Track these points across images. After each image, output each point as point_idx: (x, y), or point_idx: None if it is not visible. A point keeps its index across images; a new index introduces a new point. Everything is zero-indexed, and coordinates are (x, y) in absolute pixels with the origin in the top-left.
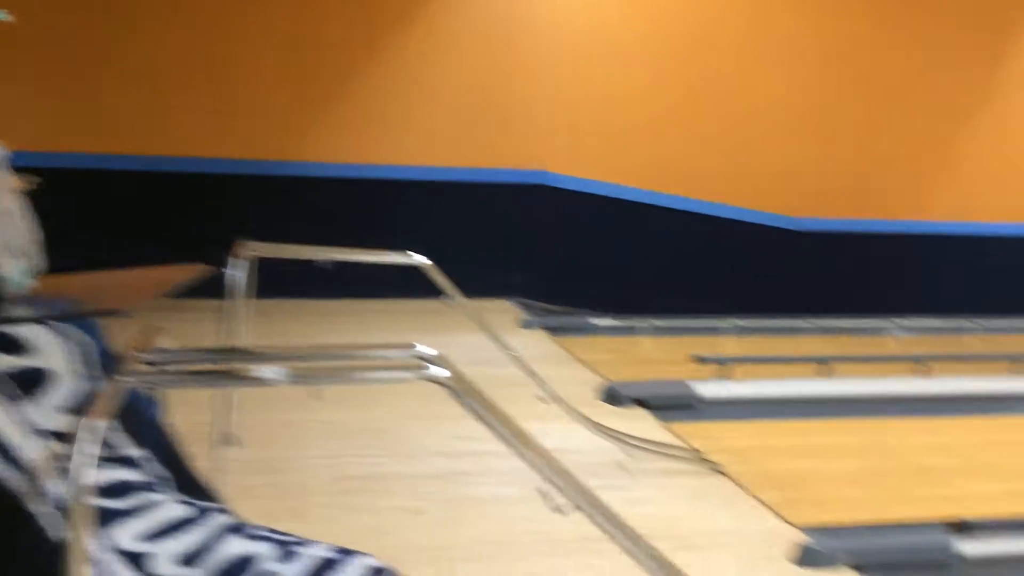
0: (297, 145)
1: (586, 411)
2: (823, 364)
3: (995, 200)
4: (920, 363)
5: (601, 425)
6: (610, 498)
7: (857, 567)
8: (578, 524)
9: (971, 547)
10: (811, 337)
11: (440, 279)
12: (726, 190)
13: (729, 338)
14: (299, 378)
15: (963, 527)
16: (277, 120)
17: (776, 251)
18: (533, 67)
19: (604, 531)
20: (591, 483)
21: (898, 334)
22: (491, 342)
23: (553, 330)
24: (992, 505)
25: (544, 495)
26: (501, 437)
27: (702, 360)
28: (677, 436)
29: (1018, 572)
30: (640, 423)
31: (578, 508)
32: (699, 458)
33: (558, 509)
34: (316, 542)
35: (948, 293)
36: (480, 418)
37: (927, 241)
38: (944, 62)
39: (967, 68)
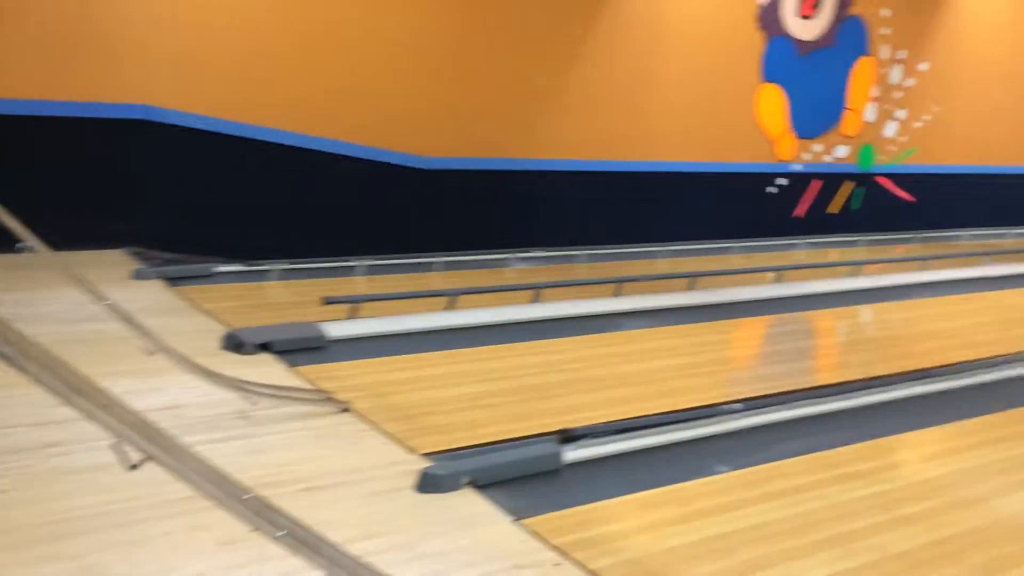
0: None
1: (206, 362)
2: (449, 298)
3: (600, 138)
4: (536, 291)
5: (220, 375)
6: (231, 449)
7: (477, 486)
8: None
9: (575, 453)
10: (439, 273)
11: (13, 224)
12: (352, 129)
13: (360, 278)
14: None
15: (569, 436)
16: None
17: (404, 190)
18: None
19: (189, 483)
20: (211, 436)
21: (517, 266)
22: (89, 296)
23: (172, 280)
24: (595, 413)
25: (118, 451)
26: (55, 392)
27: (332, 301)
28: (305, 379)
29: (614, 469)
30: (266, 369)
31: (153, 460)
32: (326, 398)
33: (134, 466)
34: None
35: (560, 226)
36: (27, 372)
37: (542, 177)
38: (556, 4)
39: (573, 12)
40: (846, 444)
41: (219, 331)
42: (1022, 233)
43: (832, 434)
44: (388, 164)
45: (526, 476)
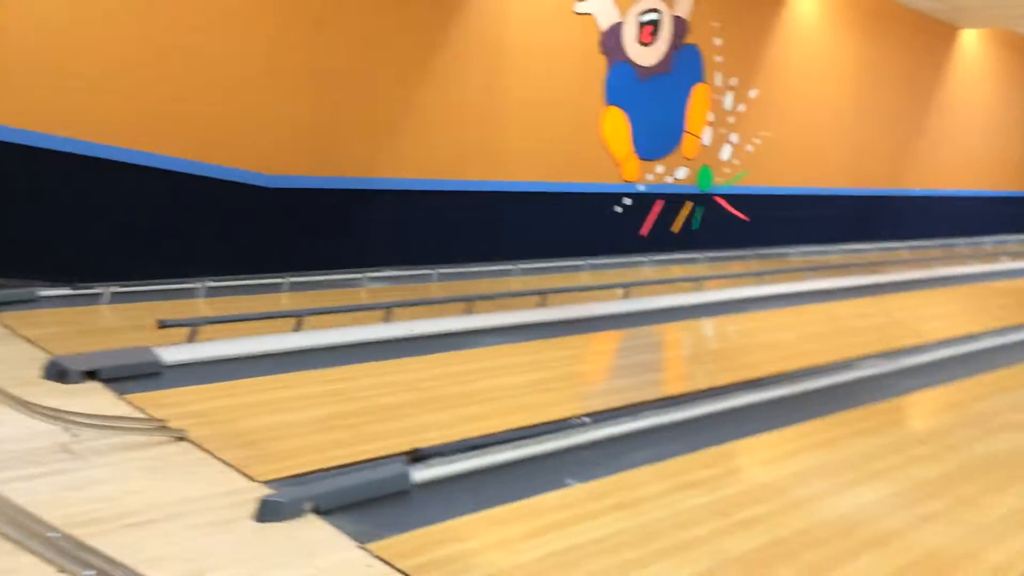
0: None
1: (24, 392)
2: (295, 319)
3: (451, 158)
4: (387, 310)
5: (38, 405)
6: (49, 485)
7: (321, 512)
8: None
9: (424, 473)
10: (286, 294)
11: None
12: (193, 146)
13: (201, 300)
14: None
15: (418, 456)
16: None
17: (248, 208)
18: None
19: None
20: (26, 472)
21: (368, 285)
22: None
23: None
24: (448, 431)
25: None
26: None
27: (167, 324)
28: (136, 407)
29: (465, 487)
30: (93, 398)
31: None
32: (159, 427)
33: None
34: None
35: (412, 245)
36: None
37: (393, 196)
38: (404, 25)
39: (421, 34)
40: (689, 452)
41: (41, 359)
42: (844, 249)
43: (676, 443)
44: (232, 182)
45: (373, 499)
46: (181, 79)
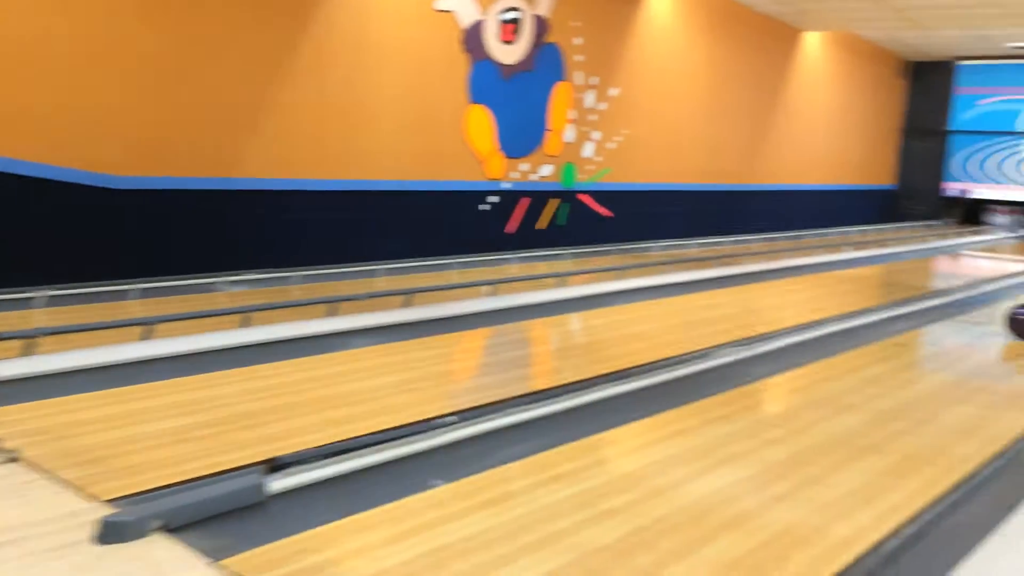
0: None
1: None
2: (145, 327)
3: (312, 157)
4: (245, 315)
5: None
6: None
7: (169, 530)
8: None
9: (282, 483)
10: (135, 301)
11: None
12: (31, 145)
13: (40, 310)
14: None
15: (276, 465)
16: None
17: (93, 212)
18: None
19: None
20: None
21: (225, 290)
22: None
23: None
24: (311, 436)
25: None
26: None
27: (2, 337)
28: None
29: (327, 494)
30: None
31: None
32: None
33: None
34: None
35: (272, 246)
36: None
37: (252, 197)
38: (259, 19)
39: (279, 30)
40: (555, 446)
41: None
42: (702, 243)
43: (543, 438)
44: (74, 184)
45: (227, 513)
46: (18, 75)
